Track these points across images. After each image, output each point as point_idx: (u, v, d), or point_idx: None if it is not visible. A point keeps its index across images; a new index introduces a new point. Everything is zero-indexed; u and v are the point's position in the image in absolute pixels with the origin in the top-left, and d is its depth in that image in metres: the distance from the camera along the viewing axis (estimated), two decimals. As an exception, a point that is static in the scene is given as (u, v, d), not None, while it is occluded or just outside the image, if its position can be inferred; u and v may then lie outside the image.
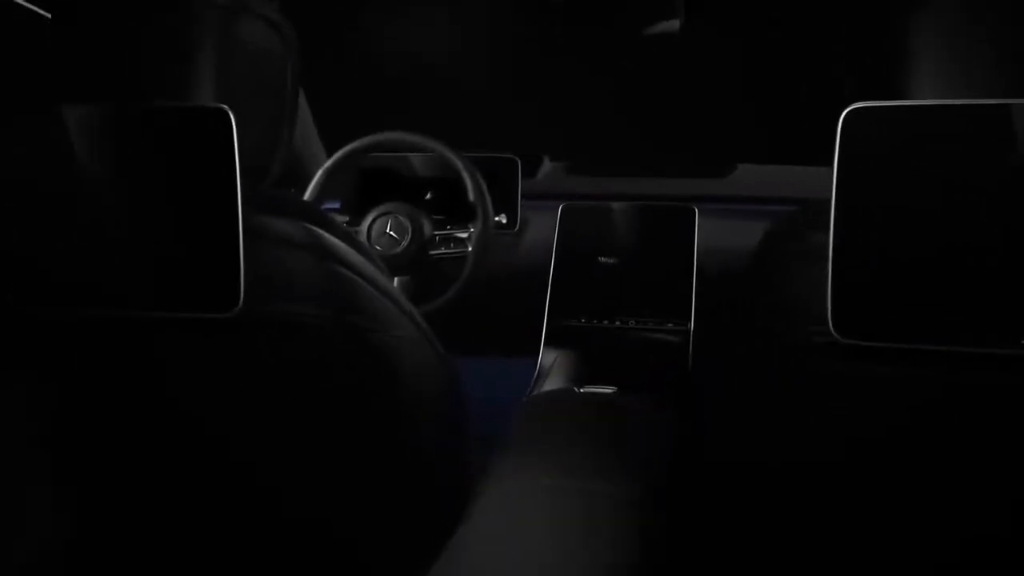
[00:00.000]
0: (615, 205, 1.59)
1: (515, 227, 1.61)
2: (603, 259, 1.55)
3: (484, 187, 1.48)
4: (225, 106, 0.69)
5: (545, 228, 1.61)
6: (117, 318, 0.69)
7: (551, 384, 1.38)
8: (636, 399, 1.24)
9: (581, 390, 1.26)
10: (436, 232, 1.49)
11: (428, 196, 1.67)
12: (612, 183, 1.70)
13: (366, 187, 1.68)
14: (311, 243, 0.78)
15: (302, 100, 1.69)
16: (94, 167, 0.70)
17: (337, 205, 1.71)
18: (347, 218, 1.56)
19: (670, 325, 1.48)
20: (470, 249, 1.46)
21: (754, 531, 0.75)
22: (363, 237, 1.48)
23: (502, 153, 1.66)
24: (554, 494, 0.91)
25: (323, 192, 1.53)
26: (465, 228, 1.48)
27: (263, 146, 0.85)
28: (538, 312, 1.55)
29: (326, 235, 0.79)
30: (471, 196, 1.47)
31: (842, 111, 0.64)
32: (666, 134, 1.75)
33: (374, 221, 1.49)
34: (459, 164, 1.48)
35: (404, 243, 1.46)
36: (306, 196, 1.53)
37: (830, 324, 0.65)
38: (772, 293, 0.81)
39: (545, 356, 1.49)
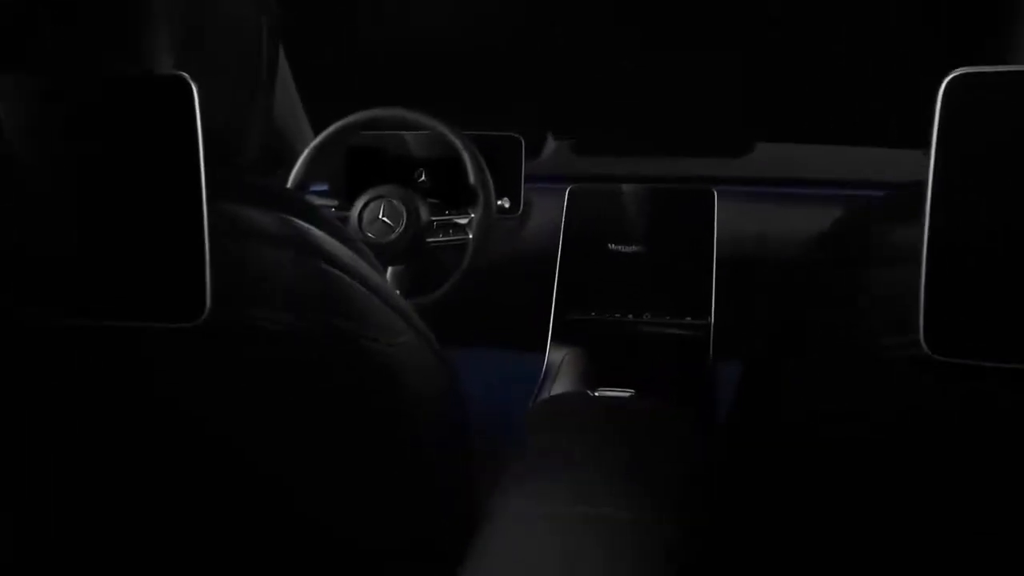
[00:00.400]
0: (626, 187, 1.47)
1: (518, 211, 1.49)
2: (614, 247, 1.43)
3: (486, 168, 1.36)
4: (184, 74, 0.57)
5: (550, 213, 1.49)
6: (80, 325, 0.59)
7: (561, 385, 1.26)
8: (654, 403, 1.12)
9: (595, 393, 1.15)
10: (433, 218, 1.37)
11: (424, 178, 1.54)
12: (622, 163, 1.58)
13: (357, 168, 1.55)
14: (293, 238, 0.66)
15: (287, 73, 1.56)
16: (28, 149, 0.58)
17: (325, 188, 1.58)
18: (335, 202, 1.44)
19: (688, 319, 1.37)
20: (470, 236, 1.34)
21: (791, 560, 0.67)
22: (353, 223, 1.36)
23: (503, 131, 1.53)
24: (571, 523, 0.80)
25: (309, 174, 1.41)
26: (465, 213, 1.36)
27: (235, 122, 0.73)
28: (543, 304, 1.43)
29: (311, 228, 0.67)
30: (471, 178, 1.35)
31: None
32: (680, 110, 1.62)
33: (365, 206, 1.36)
34: (458, 143, 1.35)
35: (398, 230, 1.34)
36: (291, 178, 1.40)
37: (921, 338, 0.53)
38: (830, 295, 0.69)
39: (553, 353, 1.37)
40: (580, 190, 1.48)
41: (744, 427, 0.73)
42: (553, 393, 1.23)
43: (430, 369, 0.79)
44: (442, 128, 1.36)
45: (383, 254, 1.35)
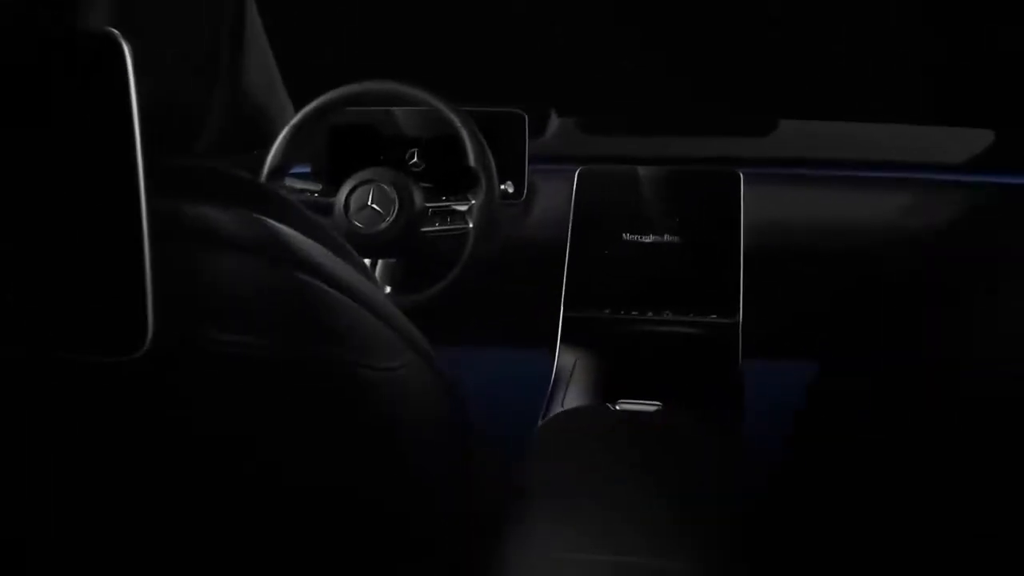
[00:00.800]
0: (642, 170, 1.33)
1: (522, 197, 1.34)
2: (629, 236, 1.29)
3: (487, 148, 1.21)
4: (113, 30, 0.42)
5: (557, 198, 1.35)
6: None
7: (575, 396, 1.12)
8: (683, 419, 0.99)
9: (616, 407, 1.01)
10: (429, 204, 1.22)
11: (418, 160, 1.39)
12: (635, 143, 1.44)
13: (342, 149, 1.40)
14: (262, 241, 0.53)
15: (264, 41, 1.41)
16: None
17: (306, 170, 1.43)
18: (318, 187, 1.29)
19: (713, 317, 1.23)
20: (470, 225, 1.19)
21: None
22: (339, 211, 1.21)
23: (502, 106, 1.38)
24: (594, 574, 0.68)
25: (289, 155, 1.26)
26: (464, 199, 1.21)
27: (188, 94, 0.58)
28: (550, 300, 1.29)
29: (284, 229, 0.53)
30: (471, 160, 1.20)
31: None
32: (697, 83, 1.48)
33: (352, 191, 1.21)
34: (456, 120, 1.20)
35: (390, 218, 1.19)
36: (268, 160, 1.25)
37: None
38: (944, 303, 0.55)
39: (563, 356, 1.23)
40: (590, 173, 1.33)
41: (812, 454, 0.60)
42: (567, 405, 1.09)
43: (431, 396, 0.66)
44: (438, 103, 1.21)
45: (372, 245, 1.21)
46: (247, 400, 0.52)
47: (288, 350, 0.52)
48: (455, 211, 1.22)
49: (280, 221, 0.54)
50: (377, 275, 1.22)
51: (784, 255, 1.30)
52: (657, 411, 1.00)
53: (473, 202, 1.20)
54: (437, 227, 1.21)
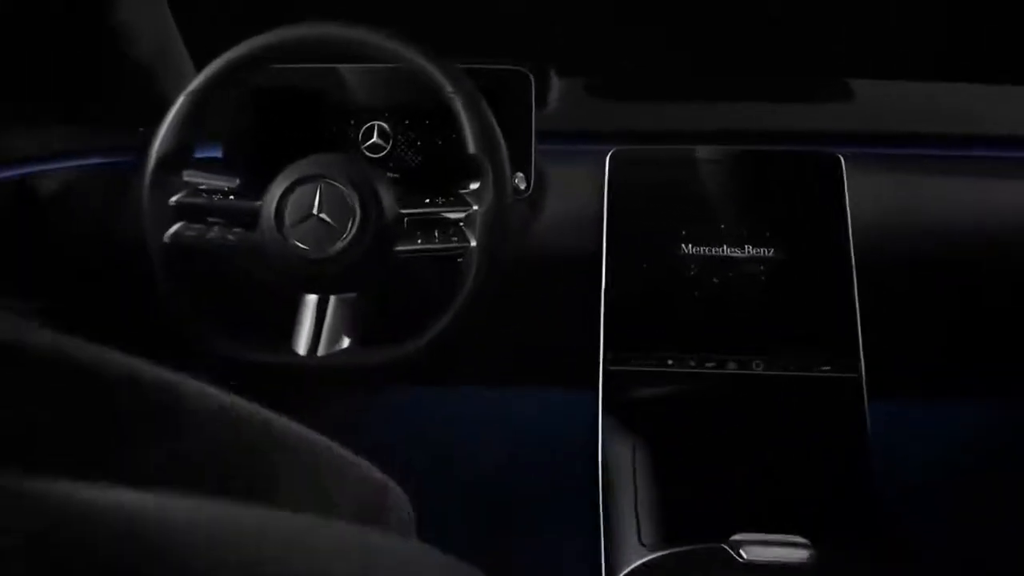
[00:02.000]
0: (702, 152, 0.93)
1: (527, 190, 0.93)
2: (691, 248, 0.89)
3: (495, 124, 0.80)
4: None
5: (576, 190, 0.95)
6: None
7: (654, 525, 0.72)
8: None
9: (742, 555, 0.62)
10: (406, 211, 0.81)
11: (380, 140, 0.98)
12: (670, 112, 1.03)
13: (270, 126, 0.98)
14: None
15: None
16: None
17: (216, 155, 1.00)
18: (234, 182, 0.86)
19: (826, 370, 0.85)
20: (472, 243, 0.78)
21: None
22: (268, 223, 0.79)
23: (485, 63, 0.97)
24: None
25: (189, 133, 0.83)
26: (460, 203, 0.80)
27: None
28: (576, 341, 0.89)
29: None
30: (470, 143, 0.79)
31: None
32: (740, 30, 1.09)
33: (288, 193, 0.79)
34: (447, 82, 0.79)
35: (348, 235, 0.78)
36: (156, 143, 0.82)
37: None
38: None
39: (611, 436, 0.83)
40: (627, 156, 0.93)
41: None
42: (646, 540, 0.69)
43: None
44: (415, 56, 0.79)
45: (322, 276, 0.80)
46: None
47: None
48: (445, 221, 0.80)
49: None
50: (329, 321, 0.80)
51: (898, 268, 0.92)
52: (809, 559, 0.61)
53: (475, 208, 0.79)
54: (419, 245, 0.80)
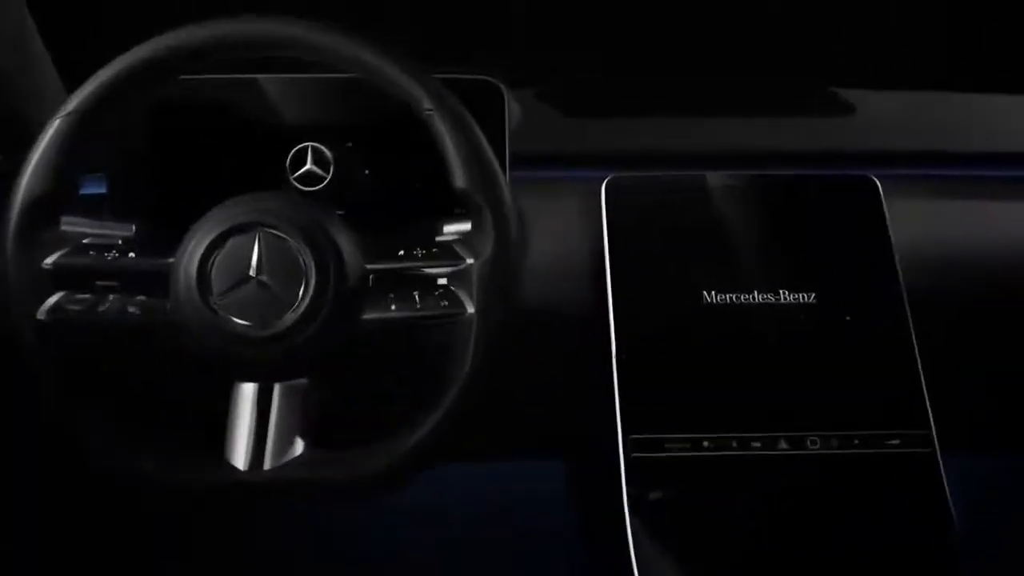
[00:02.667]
0: (715, 179, 0.77)
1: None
2: (715, 297, 0.73)
3: (490, 152, 0.61)
4: None
5: (565, 230, 0.78)
6: None
7: None
8: None
9: None
10: (374, 266, 0.61)
11: (322, 171, 0.77)
12: (671, 128, 0.86)
13: (170, 156, 0.76)
14: None
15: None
16: None
17: (102, 191, 0.77)
18: (129, 231, 0.64)
19: (895, 443, 0.69)
20: (469, 309, 0.59)
21: None
22: (186, 288, 0.58)
23: (444, 71, 0.77)
24: None
25: (69, 168, 0.61)
26: (448, 256, 0.61)
27: None
28: (585, 423, 0.71)
29: None
30: (458, 175, 0.60)
31: None
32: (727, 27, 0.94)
33: (214, 249, 0.58)
34: (423, 94, 0.60)
35: (300, 303, 0.57)
36: (23, 182, 0.60)
37: None
38: None
39: (642, 541, 0.65)
40: (626, 186, 0.76)
41: None
42: None
43: None
44: (380, 61, 0.60)
45: (264, 360, 0.59)
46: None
47: None
48: (426, 278, 0.61)
49: None
50: (276, 421, 0.59)
51: (949, 307, 0.78)
52: None
53: (468, 261, 0.60)
54: (394, 313, 0.60)
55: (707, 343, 0.72)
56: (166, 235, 0.63)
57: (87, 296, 0.59)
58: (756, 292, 0.73)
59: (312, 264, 0.58)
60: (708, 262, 0.74)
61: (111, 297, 0.59)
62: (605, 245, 0.74)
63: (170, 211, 0.69)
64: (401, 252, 0.61)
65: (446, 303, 0.59)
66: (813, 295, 0.73)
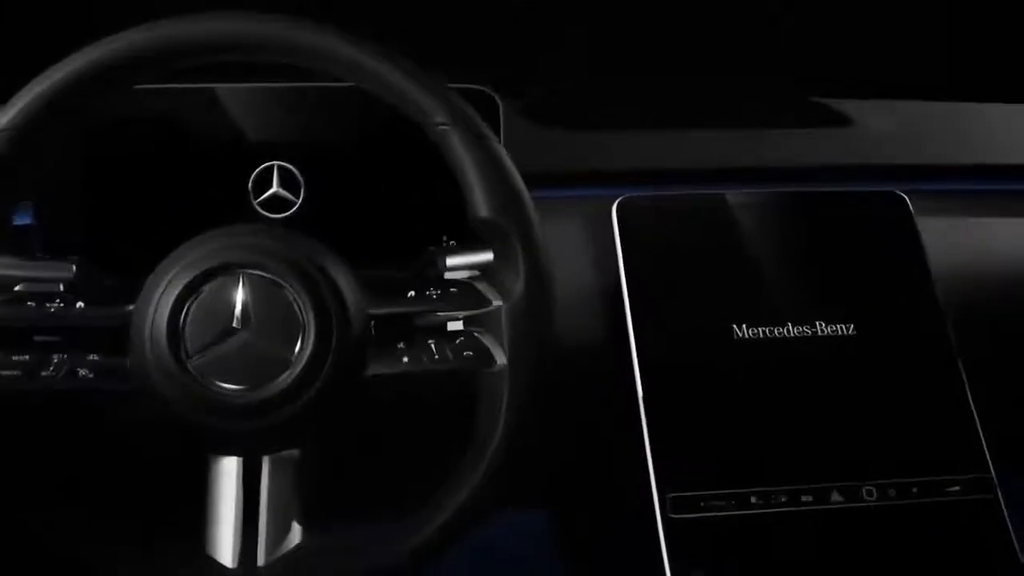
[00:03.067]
0: (734, 198, 0.69)
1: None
2: (746, 331, 0.65)
3: (515, 170, 0.52)
4: None
5: (573, 256, 0.69)
6: None
7: None
8: None
9: None
10: (379, 311, 0.51)
11: (291, 195, 0.67)
12: (684, 140, 0.77)
13: (119, 183, 0.65)
14: None
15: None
16: None
17: (27, 220, 0.65)
18: (69, 272, 0.52)
19: (955, 490, 0.62)
20: (499, 361, 0.49)
21: None
22: (155, 349, 0.47)
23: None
24: None
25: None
26: (467, 297, 0.51)
27: None
28: (612, 476, 0.63)
29: None
30: (481, 202, 0.50)
31: None
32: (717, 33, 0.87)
33: (188, 296, 0.47)
34: (435, 105, 0.50)
35: (300, 361, 0.47)
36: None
37: None
38: None
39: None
40: (640, 207, 0.68)
41: None
42: None
43: None
44: (385, 68, 0.50)
45: (252, 431, 0.48)
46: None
47: None
48: (442, 324, 0.51)
49: None
50: (268, 503, 0.49)
51: (988, 331, 0.72)
52: None
53: (495, 303, 0.50)
54: (406, 366, 0.50)
55: (742, 383, 0.64)
56: (114, 276, 0.52)
57: (25, 358, 0.48)
58: (791, 324, 0.65)
59: (310, 311, 0.47)
60: (735, 291, 0.66)
61: (55, 358, 0.48)
62: (621, 275, 0.66)
63: (115, 246, 0.58)
64: (411, 294, 0.51)
65: (470, 353, 0.50)
66: (852, 326, 0.66)
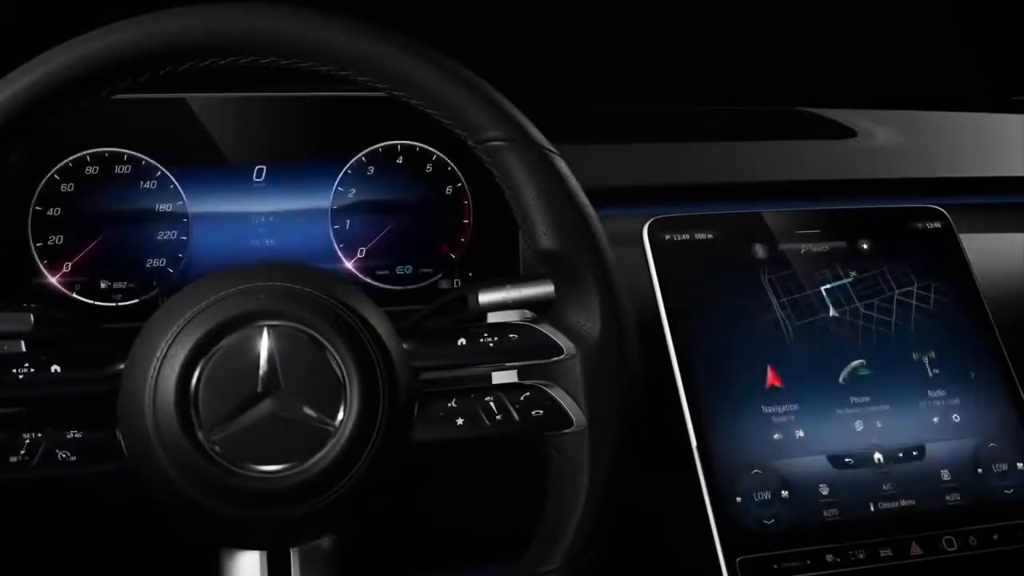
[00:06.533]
0: (771, 218, 0.63)
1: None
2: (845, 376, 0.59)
3: (585, 197, 0.44)
4: None
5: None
6: None
7: None
8: None
9: None
10: (426, 362, 0.42)
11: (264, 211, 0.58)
12: (708, 154, 0.70)
13: (78, 211, 0.55)
14: None
15: None
16: None
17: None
18: (24, 327, 0.42)
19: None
20: (578, 422, 0.41)
21: None
22: (161, 422, 0.37)
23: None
24: None
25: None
26: (534, 344, 0.43)
27: None
28: (664, 539, 0.56)
29: None
30: (544, 232, 0.42)
31: None
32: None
33: (200, 357, 0.38)
34: (489, 116, 0.42)
35: (340, 433, 0.38)
36: None
37: None
38: None
39: None
40: (672, 226, 0.61)
41: None
42: None
43: None
44: (437, 76, 0.42)
45: (281, 521, 0.38)
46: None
47: None
48: (488, 378, 0.43)
49: None
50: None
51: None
52: None
53: (567, 351, 0.42)
54: (461, 429, 0.41)
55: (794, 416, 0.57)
56: (83, 327, 0.42)
57: (-5, 437, 0.38)
58: (846, 357, 0.59)
59: (352, 368, 0.38)
60: (783, 320, 0.60)
61: (27, 438, 0.38)
62: (659, 301, 0.59)
63: (84, 286, 0.48)
64: (462, 340, 0.42)
65: (539, 412, 0.41)
66: (916, 354, 0.60)
